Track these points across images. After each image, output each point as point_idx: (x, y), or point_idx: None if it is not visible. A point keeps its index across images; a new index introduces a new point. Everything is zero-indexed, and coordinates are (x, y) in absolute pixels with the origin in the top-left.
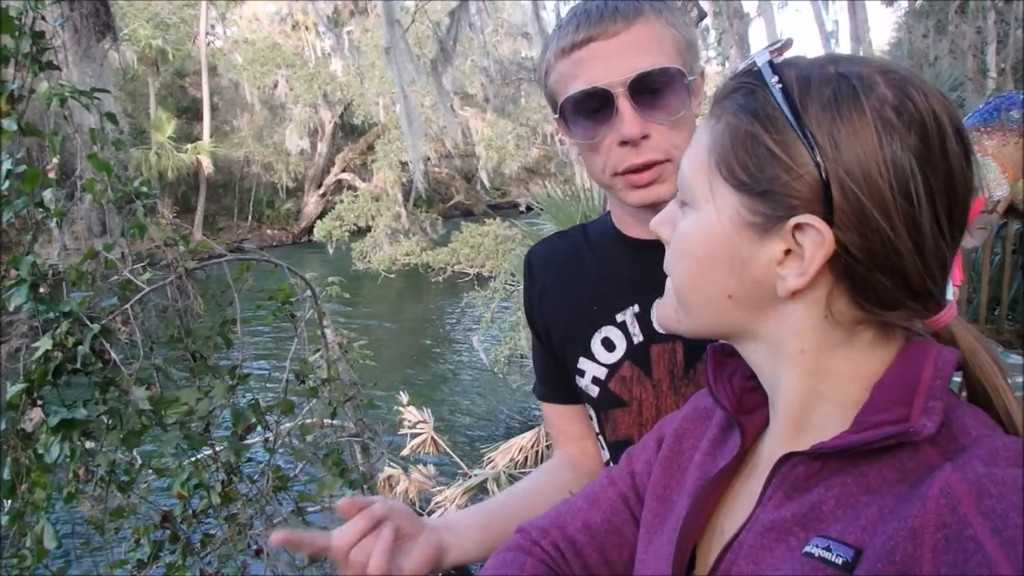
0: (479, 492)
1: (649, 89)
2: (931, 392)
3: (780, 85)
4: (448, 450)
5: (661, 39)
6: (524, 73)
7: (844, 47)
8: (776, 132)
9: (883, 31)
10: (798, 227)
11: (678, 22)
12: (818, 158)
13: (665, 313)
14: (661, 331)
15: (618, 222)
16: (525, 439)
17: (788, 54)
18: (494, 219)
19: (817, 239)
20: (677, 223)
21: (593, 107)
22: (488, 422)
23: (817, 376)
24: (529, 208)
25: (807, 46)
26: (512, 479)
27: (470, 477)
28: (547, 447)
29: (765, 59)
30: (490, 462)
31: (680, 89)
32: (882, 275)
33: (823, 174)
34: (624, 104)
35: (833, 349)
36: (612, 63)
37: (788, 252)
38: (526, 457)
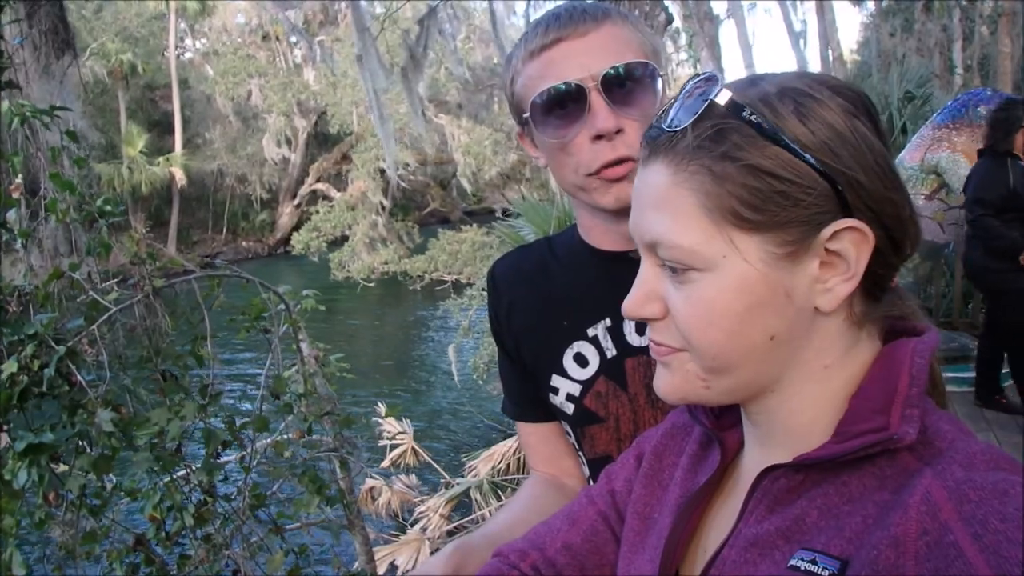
0: (462, 500)
1: (621, 85)
2: (908, 400)
3: (753, 116)
4: (429, 460)
5: (629, 41)
6: (496, 79)
7: (813, 47)
8: (772, 161)
9: (851, 31)
10: (832, 235)
11: (644, 29)
12: (818, 166)
13: (684, 385)
14: (668, 402)
15: (585, 234)
16: (506, 446)
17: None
18: (471, 226)
19: (856, 237)
20: (667, 295)
21: (564, 105)
22: (469, 430)
23: (830, 388)
24: (506, 213)
25: (776, 47)
26: (495, 487)
27: (453, 486)
28: None
29: (727, 97)
30: (472, 470)
31: (651, 87)
32: (892, 247)
33: (831, 178)
34: (596, 99)
35: (846, 355)
36: (583, 60)
37: (822, 265)
38: (508, 464)
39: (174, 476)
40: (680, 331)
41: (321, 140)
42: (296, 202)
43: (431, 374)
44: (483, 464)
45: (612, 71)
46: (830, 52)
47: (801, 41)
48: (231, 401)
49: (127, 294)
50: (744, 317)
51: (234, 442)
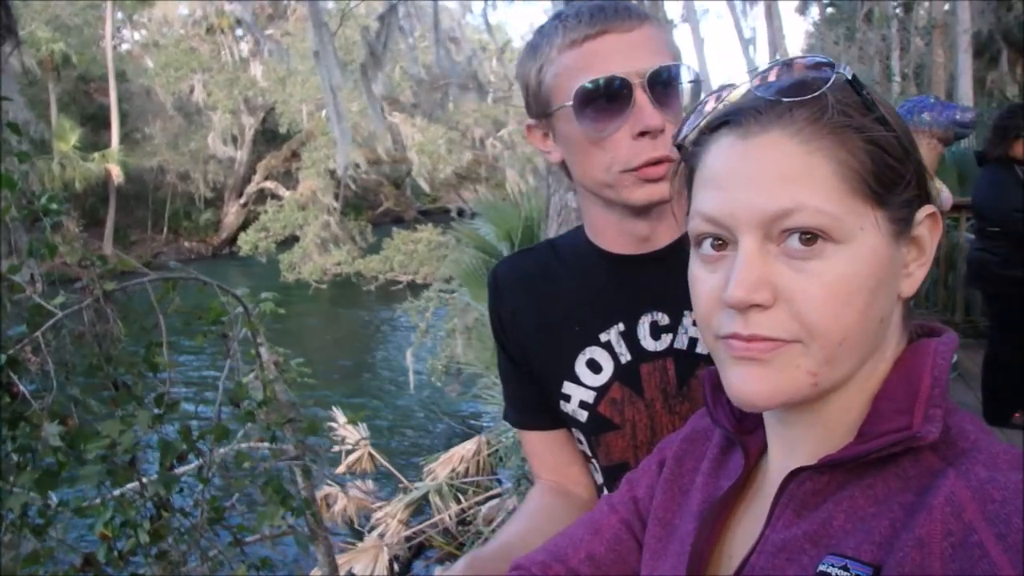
0: (421, 505)
1: (664, 84)
2: (931, 400)
3: (869, 95)
4: (386, 464)
5: (665, 43)
6: (452, 78)
7: (762, 53)
8: (885, 138)
9: (797, 38)
10: (922, 219)
11: (671, 33)
12: (910, 149)
13: (788, 384)
14: (753, 409)
15: (595, 236)
16: (466, 448)
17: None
18: (426, 225)
19: (931, 223)
20: (781, 279)
21: (606, 98)
22: (427, 433)
23: (865, 387)
24: (461, 213)
25: (728, 52)
26: (454, 490)
27: (411, 491)
28: (489, 456)
29: (852, 74)
30: (430, 474)
31: (680, 90)
32: None
33: (916, 160)
34: (641, 96)
35: (895, 350)
36: (629, 55)
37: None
38: (467, 467)
39: (125, 491)
40: (804, 315)
41: (269, 137)
42: (243, 201)
43: (387, 377)
44: (441, 467)
45: (661, 70)
46: (778, 58)
47: (751, 47)
48: (188, 407)
49: (74, 298)
50: (874, 294)
51: (191, 453)
